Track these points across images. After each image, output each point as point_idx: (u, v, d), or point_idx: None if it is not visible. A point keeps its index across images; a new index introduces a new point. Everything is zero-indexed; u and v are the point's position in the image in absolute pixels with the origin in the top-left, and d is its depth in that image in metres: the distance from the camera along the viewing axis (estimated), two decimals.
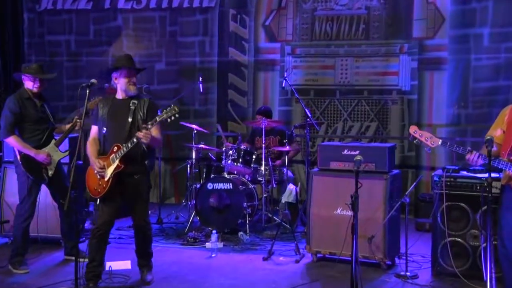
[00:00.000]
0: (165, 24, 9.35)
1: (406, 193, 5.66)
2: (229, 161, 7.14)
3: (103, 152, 5.10)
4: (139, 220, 5.22)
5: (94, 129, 5.22)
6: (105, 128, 5.08)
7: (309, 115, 7.11)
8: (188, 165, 7.49)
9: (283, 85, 7.48)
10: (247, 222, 6.90)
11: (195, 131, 7.50)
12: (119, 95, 5.17)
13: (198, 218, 7.05)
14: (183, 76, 9.30)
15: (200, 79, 7.79)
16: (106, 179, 5.00)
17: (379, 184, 5.77)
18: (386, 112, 8.54)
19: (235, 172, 7.34)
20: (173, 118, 4.79)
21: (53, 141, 5.79)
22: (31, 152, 5.59)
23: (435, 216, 5.63)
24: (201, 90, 7.83)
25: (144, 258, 5.40)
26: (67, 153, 5.87)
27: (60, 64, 9.85)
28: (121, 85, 5.13)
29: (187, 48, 9.29)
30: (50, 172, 5.71)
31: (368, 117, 8.63)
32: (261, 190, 7.24)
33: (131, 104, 5.06)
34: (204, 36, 9.21)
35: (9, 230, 6.46)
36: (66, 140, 5.99)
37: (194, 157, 7.52)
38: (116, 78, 5.12)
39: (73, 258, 5.54)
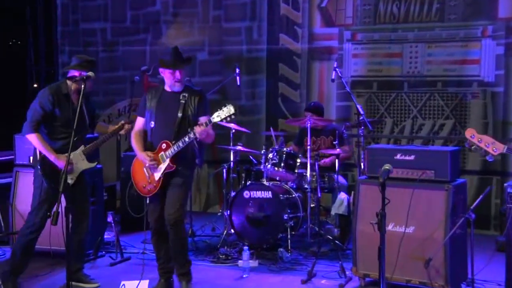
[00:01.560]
0: (208, 8, 9.28)
1: (472, 207, 5.25)
2: (269, 166, 6.85)
3: (150, 147, 5.27)
4: (174, 216, 5.18)
5: (140, 121, 5.40)
6: (153, 122, 5.25)
7: (361, 112, 6.76)
8: (224, 170, 7.27)
9: (332, 77, 7.13)
10: (289, 236, 6.60)
11: (233, 131, 7.26)
12: (167, 87, 5.35)
13: (233, 231, 6.81)
14: (228, 67, 9.16)
15: (237, 70, 7.55)
16: (157, 178, 5.21)
17: (439, 195, 5.41)
18: (465, 108, 8.15)
19: (277, 179, 7.09)
20: (229, 119, 5.01)
21: (81, 147, 5.61)
22: (51, 155, 5.38)
23: (509, 235, 5.18)
24: (238, 83, 7.60)
25: (183, 266, 5.39)
26: (94, 164, 5.67)
27: (94, 55, 9.81)
28: (166, 81, 5.34)
29: (232, 35, 9.18)
30: (70, 181, 5.48)
31: (442, 113, 8.26)
32: (307, 199, 6.95)
33: (181, 98, 5.22)
34: (251, 21, 9.08)
35: None
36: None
37: (232, 160, 7.31)
38: (162, 72, 5.35)
39: (80, 284, 5.46)
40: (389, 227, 5.56)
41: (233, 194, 6.93)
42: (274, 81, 9.04)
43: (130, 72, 9.50)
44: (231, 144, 7.34)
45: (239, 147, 7.23)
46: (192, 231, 7.19)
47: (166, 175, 5.23)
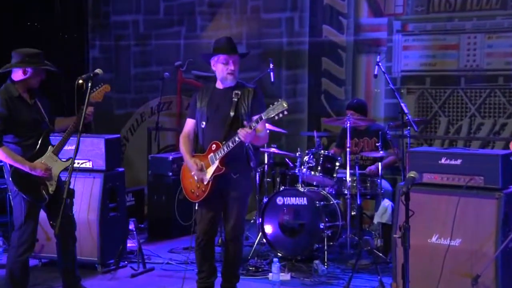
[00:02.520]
0: None
1: None
2: (305, 169, 6.75)
3: (201, 149, 5.26)
4: (234, 230, 5.26)
5: (190, 122, 5.39)
6: (203, 123, 5.23)
7: (406, 111, 6.59)
8: (258, 173, 7.19)
9: (375, 73, 6.98)
10: (326, 247, 6.48)
11: (268, 131, 7.10)
12: (219, 84, 5.33)
13: (265, 241, 6.73)
14: (267, 62, 8.93)
15: (271, 65, 7.45)
16: (205, 182, 5.17)
17: (488, 204, 5.21)
18: None
19: (314, 183, 7.01)
20: (281, 115, 4.92)
21: (50, 148, 5.40)
22: (25, 166, 5.20)
23: None
24: (272, 80, 7.49)
25: (230, 281, 5.41)
26: (69, 162, 5.34)
27: (126, 50, 9.97)
28: (218, 74, 5.28)
29: (272, 26, 9.12)
30: (51, 189, 5.33)
31: (504, 111, 8.07)
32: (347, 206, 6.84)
33: (233, 95, 5.20)
34: (292, 12, 9.00)
35: (39, 251, 6.48)
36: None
37: (265, 163, 7.25)
38: (213, 65, 5.28)
39: None
40: (433, 239, 5.42)
41: (265, 200, 6.82)
42: (317, 76, 8.93)
43: (164, 67, 9.54)
44: (265, 145, 7.20)
45: (272, 149, 7.12)
46: (222, 240, 7.10)
47: (217, 179, 5.16)
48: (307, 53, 8.96)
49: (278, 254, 6.63)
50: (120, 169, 6.60)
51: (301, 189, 6.73)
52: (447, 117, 8.31)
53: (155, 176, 7.74)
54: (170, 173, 7.72)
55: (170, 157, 7.78)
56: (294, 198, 6.67)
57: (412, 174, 4.34)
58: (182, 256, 6.88)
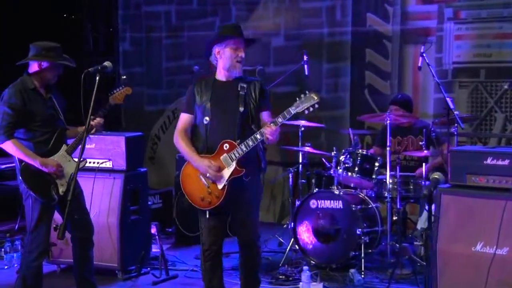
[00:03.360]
0: None
1: None
2: (341, 170, 6.68)
3: (206, 149, 5.00)
4: (250, 236, 5.11)
5: (186, 117, 5.12)
6: (207, 119, 4.98)
7: (452, 106, 6.43)
8: (291, 174, 7.12)
9: (419, 65, 6.85)
10: (363, 255, 6.37)
11: (303, 128, 7.10)
12: (221, 75, 5.07)
13: (297, 248, 6.65)
14: (307, 54, 8.91)
15: (305, 57, 7.37)
16: (220, 186, 4.92)
17: None
18: None
19: (352, 185, 6.91)
20: (311, 109, 4.76)
21: (63, 147, 5.42)
22: (36, 161, 5.22)
23: None
24: (307, 73, 7.41)
25: (252, 285, 5.29)
26: (84, 163, 5.39)
27: (158, 42, 10.01)
28: (224, 61, 5.01)
29: (312, 16, 9.05)
30: (61, 189, 5.32)
31: None
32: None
33: (239, 88, 4.99)
34: (333, 0, 8.92)
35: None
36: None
37: (300, 163, 7.20)
38: (218, 52, 5.02)
39: None
40: (478, 247, 5.26)
41: (298, 203, 6.75)
42: (360, 69, 8.83)
43: (196, 60, 9.45)
44: (300, 144, 7.15)
45: (307, 148, 7.04)
46: None
47: (231, 183, 4.94)
48: (350, 44, 8.87)
49: (311, 261, 6.57)
50: (143, 169, 6.61)
51: (336, 192, 6.64)
52: (504, 113, 8.13)
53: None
54: None
55: None
56: (328, 201, 6.60)
57: (436, 175, 4.24)
58: None
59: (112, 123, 9.77)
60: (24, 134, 5.31)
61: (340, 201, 6.55)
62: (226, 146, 4.91)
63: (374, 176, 6.77)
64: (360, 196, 6.80)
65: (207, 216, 5.02)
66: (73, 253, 5.62)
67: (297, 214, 6.72)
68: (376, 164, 6.77)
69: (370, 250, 6.59)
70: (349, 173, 6.74)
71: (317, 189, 6.82)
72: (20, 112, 5.25)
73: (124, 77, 5.04)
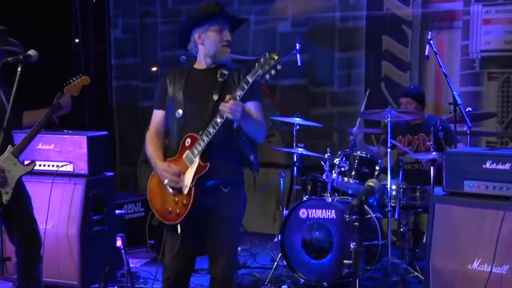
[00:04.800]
0: None
1: None
2: (335, 175, 6.64)
3: (173, 149, 4.72)
4: (225, 269, 4.66)
5: (158, 116, 4.86)
6: (180, 112, 4.70)
7: (459, 101, 6.31)
8: (282, 179, 7.06)
9: (426, 53, 6.75)
10: (357, 272, 6.25)
11: (298, 127, 7.07)
12: (202, 62, 4.78)
13: (285, 263, 6.62)
14: (316, 41, 9.05)
15: (298, 46, 7.32)
16: (185, 192, 4.58)
17: None
18: None
19: (350, 192, 6.90)
20: (273, 72, 4.35)
21: (9, 148, 5.35)
22: None
23: None
24: (299, 63, 7.39)
25: None
26: (32, 166, 5.38)
27: (153, 28, 10.04)
28: (208, 47, 4.70)
29: None
30: (5, 198, 5.24)
31: None
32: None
33: (218, 75, 4.65)
34: None
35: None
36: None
37: (294, 166, 7.19)
38: (199, 37, 4.71)
39: None
40: (475, 265, 5.20)
41: (286, 212, 6.69)
42: (376, 59, 8.77)
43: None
44: (294, 144, 7.13)
45: (300, 150, 6.99)
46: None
47: (204, 191, 4.60)
48: (364, 31, 8.83)
49: (300, 279, 6.54)
50: (109, 174, 6.57)
51: (329, 200, 6.58)
52: None
53: None
54: None
55: None
56: (320, 210, 6.53)
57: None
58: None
59: (101, 120, 9.86)
60: None
61: (333, 210, 6.48)
62: (188, 142, 4.60)
63: None
64: None
65: (179, 232, 4.62)
66: (17, 269, 5.61)
67: (285, 225, 6.66)
68: (377, 167, 6.71)
69: (368, 267, 6.50)
70: (345, 178, 6.71)
71: (306, 196, 6.73)
72: None
73: (33, 52, 4.91)
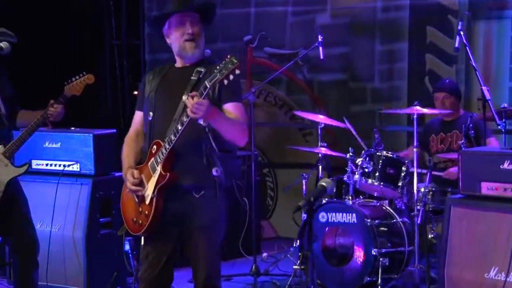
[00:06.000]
0: None
1: None
2: (357, 176, 6.62)
3: (144, 155, 4.75)
4: (207, 278, 4.65)
5: (137, 117, 4.92)
6: (151, 114, 4.74)
7: (488, 97, 6.21)
8: (304, 181, 7.06)
9: (456, 45, 6.64)
10: (380, 281, 6.27)
11: (322, 125, 7.07)
12: (178, 61, 4.83)
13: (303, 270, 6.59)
14: (356, 33, 9.03)
15: (320, 38, 7.28)
16: (147, 201, 4.60)
17: None
18: None
19: (375, 195, 6.87)
20: (232, 77, 4.31)
21: (0, 148, 5.45)
22: None
23: None
24: (322, 57, 7.33)
25: None
26: (25, 168, 5.46)
27: None
28: (174, 46, 4.77)
29: None
30: None
31: None
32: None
33: (193, 74, 4.65)
34: None
35: None
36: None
37: (317, 165, 7.17)
38: (168, 37, 4.80)
39: None
40: (491, 274, 5.24)
41: (305, 216, 6.67)
42: (420, 52, 8.69)
43: (231, 43, 9.59)
44: (319, 144, 7.13)
45: (323, 149, 6.98)
46: (255, 268, 7.08)
47: (170, 198, 4.59)
48: (408, 22, 8.75)
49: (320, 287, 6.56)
50: (117, 174, 6.60)
51: (349, 202, 6.58)
52: None
53: None
54: None
55: None
56: (340, 214, 6.53)
57: (323, 182, 4.03)
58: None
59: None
60: None
61: (354, 214, 6.48)
62: (154, 148, 4.61)
63: (400, 184, 6.66)
64: (385, 208, 6.72)
65: (142, 243, 4.72)
66: (13, 275, 5.73)
67: (303, 230, 6.64)
68: (403, 168, 6.64)
69: (394, 275, 6.48)
70: (369, 180, 6.66)
71: (326, 199, 6.72)
72: None
73: (4, 44, 4.90)
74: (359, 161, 6.66)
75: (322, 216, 6.61)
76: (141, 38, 10.34)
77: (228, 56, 4.29)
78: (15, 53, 5.54)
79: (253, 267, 7.05)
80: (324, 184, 4.03)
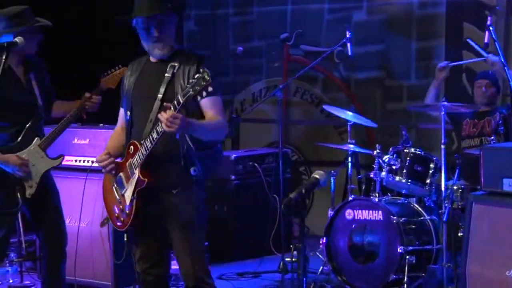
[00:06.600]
0: None
1: None
2: (384, 173, 6.62)
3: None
4: (192, 274, 4.70)
5: (121, 113, 5.02)
6: (128, 112, 4.82)
7: None
8: (333, 178, 7.06)
9: (485, 41, 6.60)
10: (406, 279, 6.26)
11: (351, 123, 7.07)
12: (151, 58, 4.86)
13: (330, 267, 6.63)
14: (392, 30, 9.04)
15: (348, 34, 7.25)
16: (128, 201, 4.72)
17: None
18: None
19: (403, 192, 6.84)
20: (204, 94, 4.32)
21: (36, 141, 5.46)
22: None
23: None
24: (350, 53, 7.30)
25: None
26: (59, 160, 5.54)
27: (224, 20, 10.18)
28: (144, 45, 4.79)
29: None
30: (28, 192, 5.38)
31: None
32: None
33: (167, 70, 4.67)
34: None
35: None
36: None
37: (347, 163, 7.15)
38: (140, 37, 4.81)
39: None
40: None
41: (331, 213, 6.70)
42: (456, 49, 8.58)
43: (268, 41, 9.69)
44: (348, 139, 7.15)
45: (351, 146, 6.98)
46: (283, 265, 7.06)
47: (149, 198, 4.69)
48: (444, 18, 8.73)
49: (346, 285, 6.56)
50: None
51: (375, 200, 6.56)
52: None
53: (213, 181, 7.78)
54: (233, 177, 7.79)
55: (233, 156, 7.83)
56: (366, 211, 6.52)
57: (317, 174, 4.02)
58: (231, 284, 6.98)
59: None
60: None
61: (380, 212, 6.47)
62: (131, 149, 4.68)
63: (428, 181, 6.64)
64: (412, 206, 6.69)
65: (125, 239, 4.85)
66: (41, 267, 5.80)
67: (330, 227, 6.66)
68: (431, 165, 6.61)
69: (421, 273, 6.43)
70: (396, 177, 6.64)
71: (352, 196, 6.70)
72: None
73: (19, 39, 4.89)
74: (386, 158, 6.65)
75: (349, 213, 6.62)
76: (181, 36, 10.41)
77: (201, 71, 4.30)
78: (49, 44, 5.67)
79: (281, 264, 7.05)
80: (317, 176, 4.05)
